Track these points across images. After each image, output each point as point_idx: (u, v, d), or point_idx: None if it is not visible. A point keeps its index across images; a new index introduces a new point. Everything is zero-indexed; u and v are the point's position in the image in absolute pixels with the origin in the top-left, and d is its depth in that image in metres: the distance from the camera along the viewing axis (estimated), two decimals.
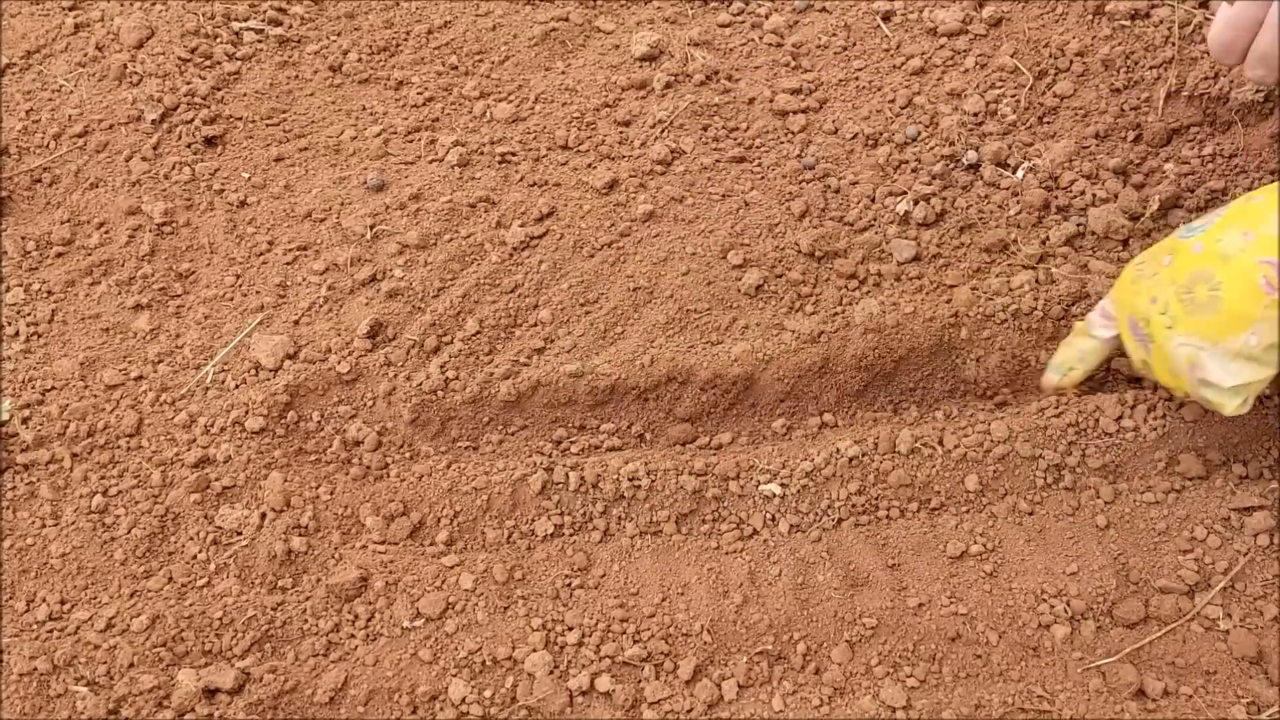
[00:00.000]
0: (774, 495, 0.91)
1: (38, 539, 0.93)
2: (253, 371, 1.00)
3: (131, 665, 0.86)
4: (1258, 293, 0.75)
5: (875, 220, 1.04)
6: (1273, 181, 0.97)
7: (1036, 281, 0.96)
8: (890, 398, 0.97)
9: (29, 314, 1.05)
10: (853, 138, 1.10)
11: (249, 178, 1.13)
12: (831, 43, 1.20)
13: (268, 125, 1.17)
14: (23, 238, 1.10)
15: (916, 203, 1.03)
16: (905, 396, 0.97)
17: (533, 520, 0.91)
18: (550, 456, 0.95)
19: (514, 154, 1.13)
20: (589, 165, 1.11)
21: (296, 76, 1.21)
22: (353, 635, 0.87)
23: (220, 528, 0.92)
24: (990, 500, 0.90)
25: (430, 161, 1.13)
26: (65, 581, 0.91)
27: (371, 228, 1.07)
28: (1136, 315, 0.83)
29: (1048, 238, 1.00)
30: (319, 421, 0.97)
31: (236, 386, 0.99)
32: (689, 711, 0.82)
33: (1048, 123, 1.07)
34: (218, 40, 1.22)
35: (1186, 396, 0.85)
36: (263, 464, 0.95)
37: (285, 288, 1.05)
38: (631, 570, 0.89)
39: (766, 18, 1.23)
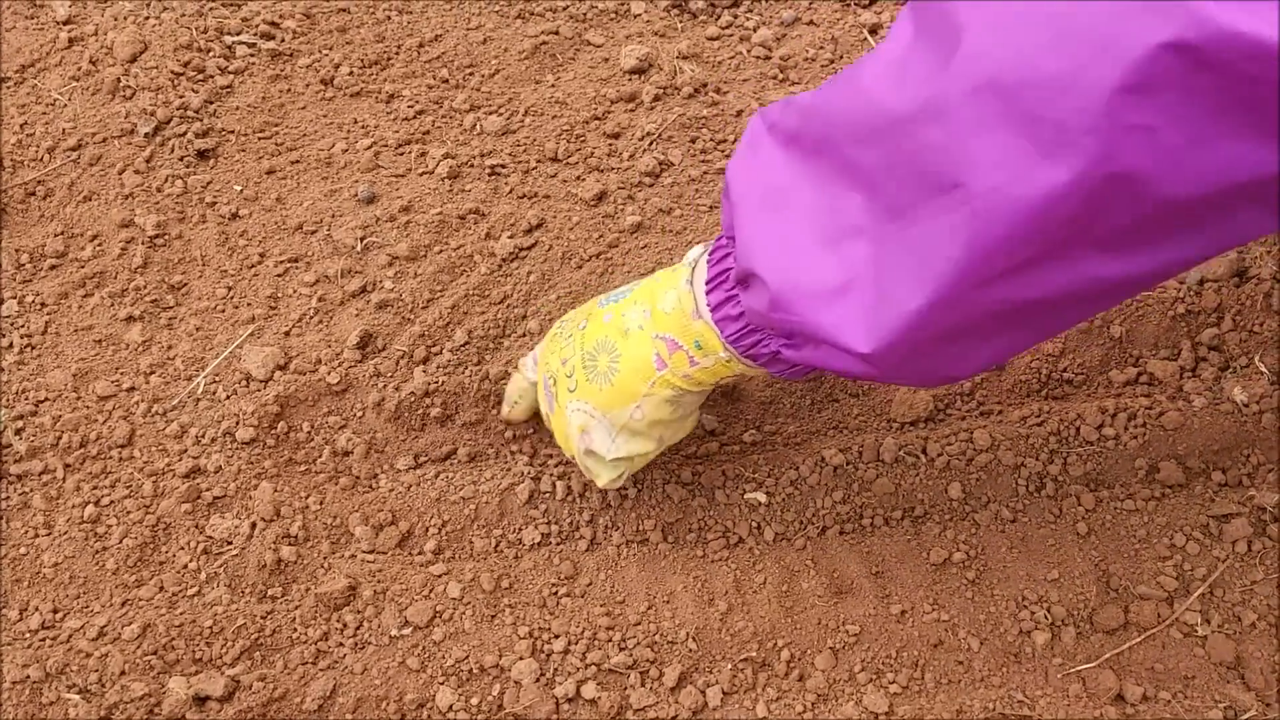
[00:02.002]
0: (759, 504, 0.92)
1: (30, 548, 0.94)
2: (243, 383, 1.01)
3: (123, 673, 0.86)
4: (649, 369, 0.77)
5: None
6: None
7: None
8: (875, 405, 0.98)
9: (22, 326, 1.06)
10: None
11: (241, 190, 1.14)
12: (819, 55, 1.21)
13: (260, 138, 1.18)
14: (16, 250, 1.11)
15: None
16: (888, 404, 0.98)
17: (520, 529, 0.92)
18: (537, 466, 0.96)
19: (504, 166, 1.14)
20: (578, 177, 1.12)
21: (288, 90, 1.22)
22: (341, 644, 0.88)
23: (211, 537, 0.93)
24: (973, 508, 0.91)
25: (420, 174, 1.14)
26: (58, 590, 0.92)
27: (362, 240, 1.08)
28: (548, 372, 0.85)
29: None
30: (309, 432, 0.98)
31: (227, 397, 1.00)
32: (674, 718, 0.83)
33: None
34: (210, 54, 1.23)
35: (574, 459, 0.87)
36: (253, 474, 0.96)
37: (276, 299, 1.06)
38: (618, 579, 0.89)
39: (754, 31, 1.24)
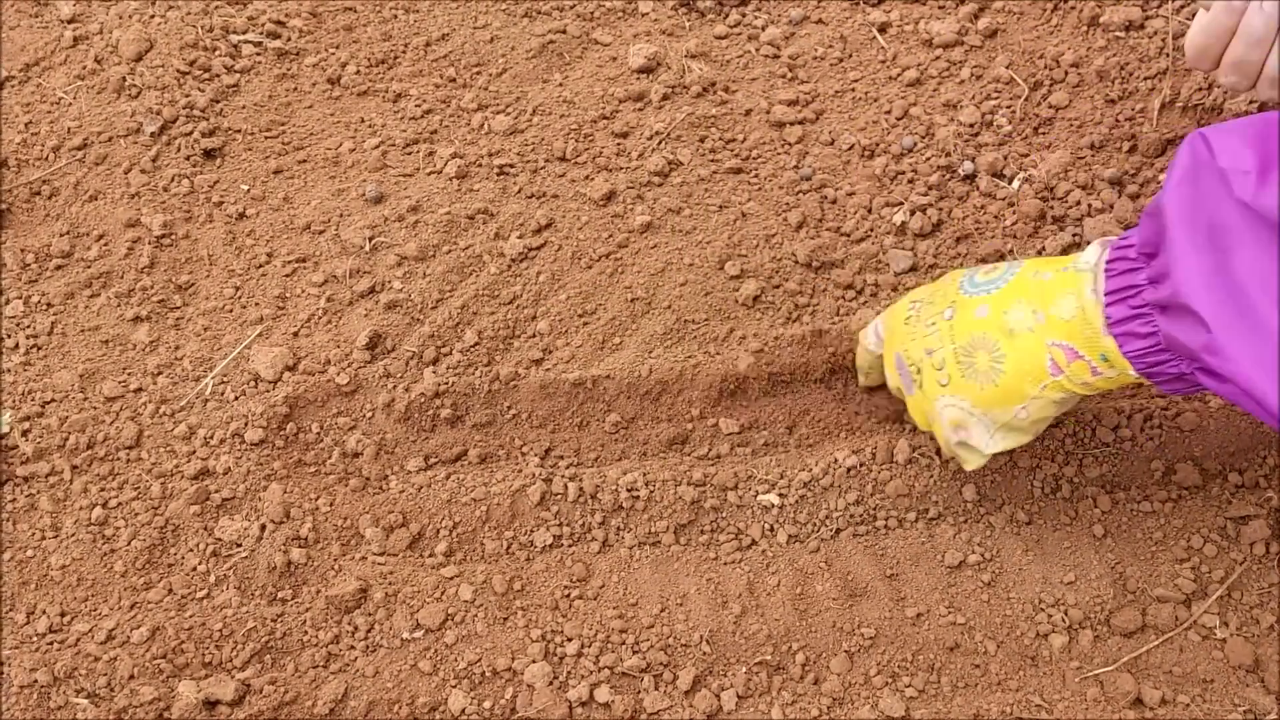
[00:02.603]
0: (772, 506, 0.91)
1: (38, 551, 0.93)
2: (252, 383, 1.00)
3: (132, 677, 0.86)
4: (1041, 372, 0.75)
5: (872, 231, 1.04)
6: None
7: None
8: (886, 407, 0.97)
9: (28, 326, 1.05)
10: (849, 149, 1.11)
11: (248, 190, 1.14)
12: (828, 54, 1.20)
13: (266, 137, 1.17)
14: (22, 250, 1.10)
15: (913, 213, 1.04)
16: (904, 406, 0.97)
17: (531, 531, 0.92)
18: (549, 467, 0.95)
19: (512, 166, 1.13)
20: (586, 177, 1.12)
21: (295, 89, 1.21)
22: (352, 646, 0.87)
23: (220, 539, 0.92)
24: (988, 510, 0.90)
25: (428, 173, 1.13)
26: (65, 593, 0.91)
27: (370, 239, 1.07)
28: (907, 358, 0.83)
29: (1044, 248, 1.00)
30: (318, 433, 0.98)
31: (236, 398, 0.99)
32: None
33: (1043, 133, 1.08)
34: (216, 53, 1.22)
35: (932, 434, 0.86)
36: (262, 476, 0.95)
37: (284, 299, 1.05)
38: (630, 581, 0.89)
39: (763, 29, 1.24)
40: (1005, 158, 1.06)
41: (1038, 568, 0.86)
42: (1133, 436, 0.90)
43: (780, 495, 0.91)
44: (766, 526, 0.91)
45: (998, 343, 0.76)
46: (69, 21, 1.25)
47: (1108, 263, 0.72)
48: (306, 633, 0.88)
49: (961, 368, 0.78)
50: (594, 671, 0.84)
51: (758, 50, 1.22)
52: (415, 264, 1.06)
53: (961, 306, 0.80)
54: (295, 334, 1.03)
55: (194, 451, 0.97)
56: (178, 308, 1.06)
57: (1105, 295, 0.71)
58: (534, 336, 1.01)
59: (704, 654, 0.85)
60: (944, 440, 0.83)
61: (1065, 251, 0.99)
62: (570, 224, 1.08)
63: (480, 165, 1.13)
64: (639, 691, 0.84)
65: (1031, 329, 0.75)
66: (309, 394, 0.98)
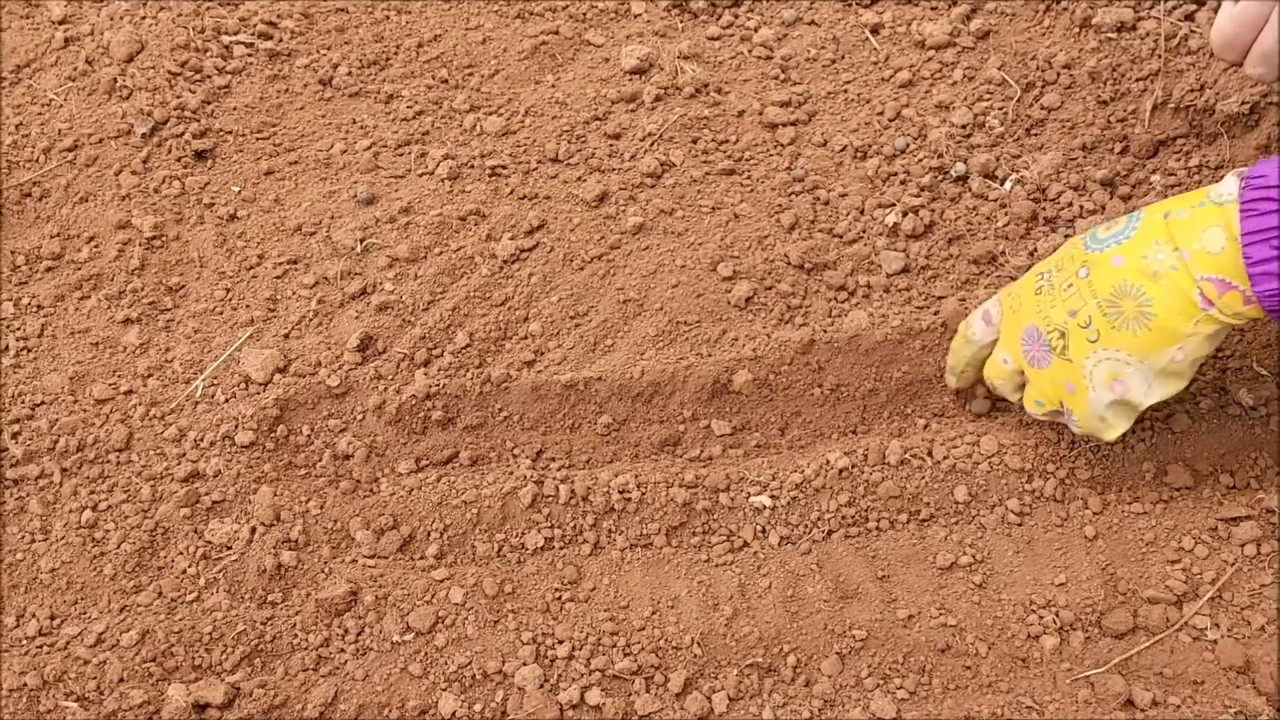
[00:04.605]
0: (764, 507, 0.91)
1: (27, 554, 0.93)
2: (242, 385, 1.00)
3: (121, 680, 0.86)
4: (1191, 309, 0.76)
5: (864, 232, 1.04)
6: None
7: None
8: (881, 408, 0.97)
9: (18, 329, 1.05)
10: (842, 150, 1.11)
11: (239, 191, 1.13)
12: (820, 55, 1.20)
13: (258, 139, 1.17)
14: (12, 252, 1.10)
15: (905, 214, 1.04)
16: (896, 407, 0.97)
17: (523, 533, 0.91)
18: (540, 469, 0.95)
19: (504, 167, 1.13)
20: (579, 178, 1.12)
21: (286, 90, 1.21)
22: (343, 650, 0.87)
23: (210, 542, 0.92)
24: (979, 511, 0.90)
25: (420, 175, 1.13)
26: (55, 596, 0.91)
27: (361, 241, 1.07)
28: (1045, 326, 0.83)
29: (1036, 249, 1.00)
30: (309, 435, 0.97)
31: (226, 400, 0.99)
32: None
33: (1035, 135, 1.08)
34: (208, 54, 1.22)
35: (1048, 417, 0.87)
36: (252, 478, 0.95)
37: (275, 301, 1.05)
38: (622, 583, 0.89)
39: (755, 30, 1.24)
40: (997, 159, 1.06)
41: (1029, 569, 0.86)
42: (1123, 438, 0.90)
43: (772, 497, 0.91)
44: (758, 528, 0.91)
45: (1141, 287, 0.77)
46: (60, 23, 1.25)
47: (1245, 202, 0.73)
48: (296, 636, 0.87)
49: (1109, 319, 0.79)
50: (585, 674, 0.84)
51: (750, 51, 1.22)
52: (406, 265, 1.05)
53: (1095, 263, 0.80)
54: (286, 336, 1.02)
55: (184, 454, 0.97)
56: (168, 310, 1.06)
57: (1243, 236, 0.72)
58: (525, 338, 1.01)
59: (695, 656, 0.84)
60: (1086, 410, 0.82)
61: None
62: (562, 225, 1.07)
63: (472, 166, 1.13)
64: (630, 694, 0.83)
65: (1175, 267, 0.76)
66: (299, 396, 0.98)
